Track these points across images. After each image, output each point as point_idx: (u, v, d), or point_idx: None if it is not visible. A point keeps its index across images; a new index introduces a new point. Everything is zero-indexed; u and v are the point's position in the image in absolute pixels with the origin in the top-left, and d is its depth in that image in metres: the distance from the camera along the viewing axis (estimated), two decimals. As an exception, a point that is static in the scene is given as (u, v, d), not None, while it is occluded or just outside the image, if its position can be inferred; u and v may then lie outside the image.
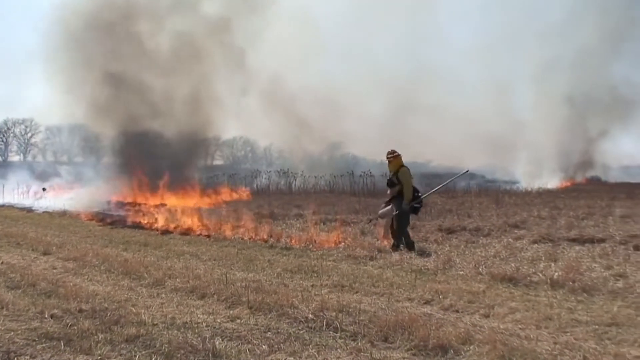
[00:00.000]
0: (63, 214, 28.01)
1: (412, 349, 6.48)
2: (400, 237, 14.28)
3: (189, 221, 20.77)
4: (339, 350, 6.49)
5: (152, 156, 36.04)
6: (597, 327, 7.27)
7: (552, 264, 11.37)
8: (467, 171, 16.48)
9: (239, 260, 13.08)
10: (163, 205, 29.47)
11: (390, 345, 6.66)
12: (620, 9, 58.04)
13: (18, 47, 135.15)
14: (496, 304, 8.52)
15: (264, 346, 6.59)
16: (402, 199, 14.37)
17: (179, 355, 6.34)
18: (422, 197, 14.83)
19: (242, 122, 57.85)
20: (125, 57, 37.64)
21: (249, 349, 6.50)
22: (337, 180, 43.52)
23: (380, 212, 15.43)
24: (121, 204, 31.05)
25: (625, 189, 35.25)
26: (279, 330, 7.24)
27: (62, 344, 6.71)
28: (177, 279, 10.46)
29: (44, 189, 38.25)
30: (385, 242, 14.85)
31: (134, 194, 34.45)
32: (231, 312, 8.22)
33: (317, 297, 8.92)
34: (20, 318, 7.90)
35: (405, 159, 14.77)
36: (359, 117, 56.25)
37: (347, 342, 6.75)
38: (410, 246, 13.96)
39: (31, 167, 56.77)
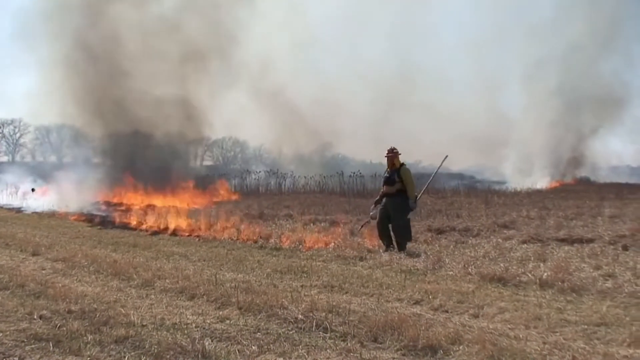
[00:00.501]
0: (52, 214, 27.94)
1: (401, 349, 6.48)
2: (408, 235, 14.41)
3: (178, 222, 20.72)
4: (328, 350, 6.49)
5: (141, 157, 35.99)
6: (586, 327, 7.29)
7: (541, 264, 11.39)
8: (447, 156, 16.33)
9: (229, 261, 13.07)
10: (152, 205, 29.40)
11: (380, 345, 6.67)
12: (610, 6, 58.24)
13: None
14: (485, 304, 8.53)
15: (253, 347, 6.58)
16: (400, 198, 14.35)
17: (168, 356, 6.32)
18: (418, 197, 14.84)
19: (231, 119, 57.84)
20: (111, 54, 37.60)
21: (238, 350, 6.49)
22: (327, 180, 43.51)
23: (371, 214, 15.22)
24: (110, 205, 30.98)
25: (614, 189, 35.35)
26: (269, 331, 7.23)
27: (51, 345, 6.68)
28: (167, 280, 10.44)
29: (32, 190, 38.09)
30: (372, 243, 14.89)
31: (123, 194, 34.38)
32: (221, 312, 8.20)
33: (306, 297, 8.92)
34: (8, 319, 7.85)
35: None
36: (347, 116, 56.42)
37: (336, 342, 6.74)
38: (402, 246, 13.97)
39: (20, 167, 56.53)
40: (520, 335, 6.89)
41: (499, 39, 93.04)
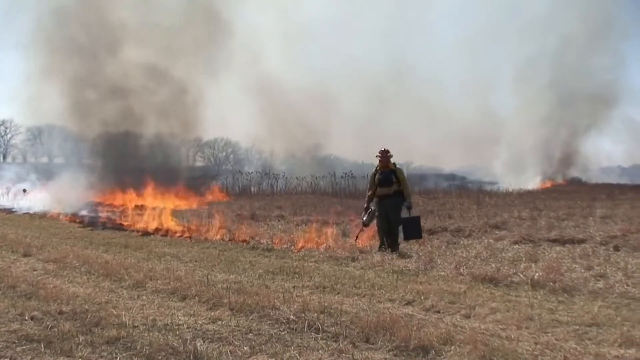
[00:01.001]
0: (43, 215, 27.85)
1: (393, 350, 6.49)
2: (419, 233, 14.54)
3: (170, 222, 20.70)
4: (320, 351, 6.48)
5: (133, 157, 35.94)
6: (577, 327, 7.31)
7: (533, 265, 11.42)
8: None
9: (221, 262, 13.05)
10: (144, 206, 29.35)
11: (372, 346, 6.67)
12: (602, 2, 58.48)
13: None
14: (477, 305, 8.55)
15: (245, 347, 6.57)
16: (398, 199, 14.41)
17: (160, 357, 6.31)
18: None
19: (222, 118, 57.88)
20: (102, 53, 37.61)
21: (230, 351, 6.48)
22: (319, 181, 43.53)
23: (365, 219, 15.01)
24: (102, 205, 30.92)
25: (606, 189, 35.47)
26: (261, 332, 7.23)
27: (43, 346, 6.66)
28: (158, 281, 10.41)
29: (24, 191, 37.96)
30: (364, 243, 14.92)
31: (115, 195, 34.33)
32: (212, 313, 8.19)
33: (298, 298, 8.92)
34: (-1, 320, 7.84)
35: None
36: (339, 116, 56.32)
37: (328, 343, 6.74)
38: (395, 247, 13.99)
39: (11, 168, 56.36)
40: (512, 336, 6.90)
41: (491, 37, 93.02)
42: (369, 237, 15.08)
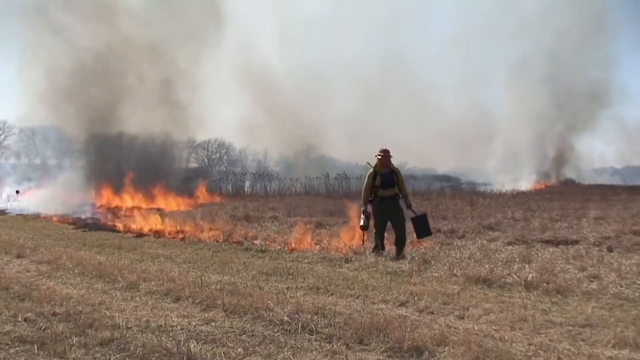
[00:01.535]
0: (37, 216, 27.81)
1: (387, 351, 6.49)
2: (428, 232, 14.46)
3: (164, 224, 20.67)
4: (314, 352, 6.48)
5: (126, 159, 35.92)
6: (571, 328, 7.32)
7: (526, 266, 11.42)
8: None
9: (214, 263, 13.04)
10: (137, 208, 29.32)
11: (366, 347, 6.67)
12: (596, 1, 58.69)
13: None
14: (471, 306, 8.56)
15: (239, 349, 6.56)
16: (398, 200, 14.30)
17: (153, 358, 6.30)
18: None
19: (216, 118, 57.89)
20: (95, 52, 37.61)
21: (223, 352, 6.47)
22: (313, 182, 43.54)
23: (364, 222, 14.23)
24: (95, 207, 30.89)
25: (599, 190, 35.54)
26: (254, 333, 7.22)
27: (36, 347, 6.64)
28: (152, 282, 10.40)
29: (17, 192, 37.90)
30: (358, 244, 14.88)
31: (108, 196, 34.29)
32: (206, 314, 8.18)
33: (292, 299, 8.91)
34: (-8, 322, 7.82)
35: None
36: (331, 116, 56.26)
37: (322, 344, 6.74)
38: (382, 248, 14.01)
39: (4, 169, 56.16)
40: (506, 337, 6.91)
41: (484, 35, 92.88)
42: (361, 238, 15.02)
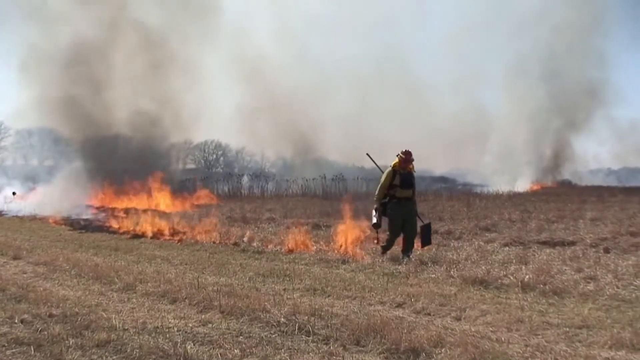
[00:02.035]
0: (33, 218, 27.78)
1: (384, 353, 6.49)
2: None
3: (160, 225, 20.64)
4: (311, 354, 6.48)
5: (122, 160, 35.90)
6: (568, 329, 7.33)
7: (523, 267, 11.42)
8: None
9: (211, 265, 13.03)
10: (134, 209, 29.29)
11: (362, 348, 6.67)
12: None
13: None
14: (467, 307, 8.56)
15: (235, 350, 6.56)
16: (414, 204, 14.03)
17: (150, 360, 6.31)
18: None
19: (212, 120, 57.90)
20: (86, 53, 37.67)
21: (220, 354, 6.46)
22: (310, 183, 43.52)
23: (377, 220, 13.81)
24: (92, 208, 30.85)
25: (595, 192, 35.56)
26: (251, 335, 7.21)
27: (32, 349, 6.63)
28: (148, 284, 10.39)
29: (14, 193, 37.83)
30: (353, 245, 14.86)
31: (105, 197, 34.26)
32: (203, 316, 8.18)
33: (289, 301, 8.91)
34: (-11, 324, 7.81)
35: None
36: (328, 118, 56.19)
37: (319, 346, 6.74)
38: (388, 248, 13.83)
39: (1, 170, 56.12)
40: (502, 338, 6.91)
41: (480, 35, 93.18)
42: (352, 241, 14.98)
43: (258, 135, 58.35)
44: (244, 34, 62.33)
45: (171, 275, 11.37)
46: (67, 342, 6.85)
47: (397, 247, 13.97)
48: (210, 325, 7.73)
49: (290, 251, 14.88)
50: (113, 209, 30.09)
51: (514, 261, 12.23)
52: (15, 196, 37.17)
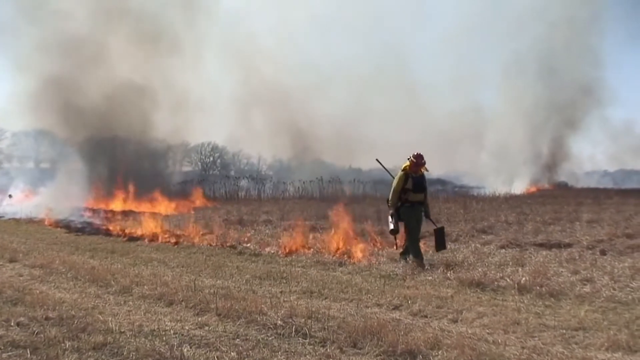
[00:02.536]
0: (30, 220, 27.73)
1: (380, 355, 6.49)
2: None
3: (157, 228, 20.61)
4: (308, 356, 6.48)
5: (119, 162, 35.88)
6: (564, 331, 7.34)
7: (520, 269, 11.43)
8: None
9: (207, 267, 13.03)
10: (131, 211, 29.27)
11: (359, 351, 6.67)
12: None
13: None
14: (464, 309, 8.57)
15: (232, 353, 6.55)
16: (427, 206, 13.76)
17: (146, 363, 6.31)
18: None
19: (209, 122, 57.90)
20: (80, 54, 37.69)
21: (217, 356, 6.46)
22: (307, 186, 43.54)
23: (395, 226, 13.33)
24: (88, 211, 30.80)
25: (592, 194, 35.58)
26: (248, 337, 7.21)
27: (29, 352, 6.62)
28: (145, 286, 10.38)
29: (10, 196, 37.76)
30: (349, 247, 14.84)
31: (101, 200, 34.21)
32: (199, 319, 8.17)
33: (286, 303, 8.91)
34: (-15, 327, 7.79)
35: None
36: (325, 120, 56.14)
37: (316, 348, 6.74)
38: (421, 256, 13.21)
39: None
40: (499, 340, 6.92)
41: (475, 37, 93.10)
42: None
43: (254, 136, 58.34)
44: (241, 33, 62.20)
45: (168, 278, 11.36)
46: (63, 345, 6.85)
47: (391, 250, 13.98)
48: (206, 328, 7.73)
49: (287, 254, 14.86)
50: (110, 212, 30.05)
51: (510, 263, 12.24)
52: (11, 198, 37.10)
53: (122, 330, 7.53)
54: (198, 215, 26.76)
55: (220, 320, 8.07)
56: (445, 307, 8.75)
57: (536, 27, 64.92)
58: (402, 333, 7.06)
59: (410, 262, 12.74)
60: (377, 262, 13.04)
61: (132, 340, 7.02)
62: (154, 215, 25.23)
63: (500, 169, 54.70)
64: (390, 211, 13.49)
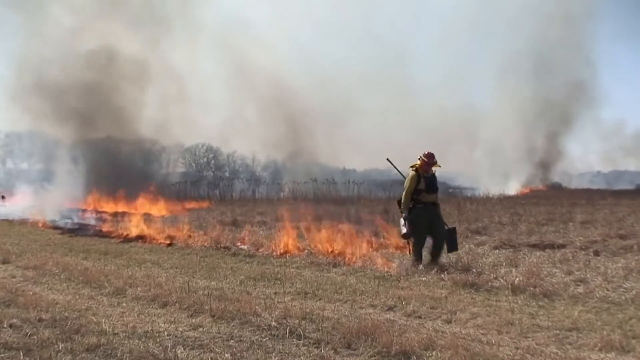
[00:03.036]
0: (23, 221, 27.67)
1: (375, 356, 6.49)
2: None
3: (151, 229, 20.58)
4: (302, 357, 6.47)
5: (113, 163, 35.85)
6: (558, 332, 7.34)
7: (513, 270, 11.44)
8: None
9: (201, 268, 13.01)
10: (124, 213, 29.22)
11: (354, 352, 6.67)
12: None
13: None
14: (458, 310, 8.57)
15: (226, 355, 6.54)
16: (439, 207, 13.33)
17: (140, 364, 6.29)
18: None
19: (206, 121, 57.84)
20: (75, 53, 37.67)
21: (211, 358, 6.45)
22: (301, 187, 43.58)
23: (407, 230, 12.80)
24: (81, 212, 30.76)
25: (585, 195, 35.69)
26: (242, 339, 7.20)
27: (22, 354, 6.59)
28: (138, 288, 10.36)
29: (2, 197, 37.72)
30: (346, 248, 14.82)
31: (94, 201, 34.17)
32: (193, 320, 8.16)
33: (280, 304, 8.91)
34: (-23, 328, 7.76)
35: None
36: (320, 120, 56.11)
37: (310, 349, 6.73)
38: (421, 259, 12.92)
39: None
40: (493, 341, 6.92)
41: (471, 37, 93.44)
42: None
43: (248, 131, 58.29)
44: (239, 31, 62.25)
45: (161, 279, 11.34)
46: (56, 346, 6.82)
47: (391, 251, 13.98)
48: (200, 329, 7.72)
49: (281, 255, 14.85)
50: (103, 213, 30.02)
51: (504, 264, 12.26)
52: (4, 200, 37.04)
53: (116, 331, 7.51)
54: (192, 216, 26.73)
55: (214, 322, 8.06)
56: (439, 308, 8.75)
57: (530, 25, 65.06)
58: (396, 334, 7.06)
59: (439, 265, 12.31)
60: (370, 263, 13.01)
61: (126, 342, 7.00)
62: (147, 216, 25.21)
63: (494, 168, 54.80)
64: (403, 214, 12.93)
